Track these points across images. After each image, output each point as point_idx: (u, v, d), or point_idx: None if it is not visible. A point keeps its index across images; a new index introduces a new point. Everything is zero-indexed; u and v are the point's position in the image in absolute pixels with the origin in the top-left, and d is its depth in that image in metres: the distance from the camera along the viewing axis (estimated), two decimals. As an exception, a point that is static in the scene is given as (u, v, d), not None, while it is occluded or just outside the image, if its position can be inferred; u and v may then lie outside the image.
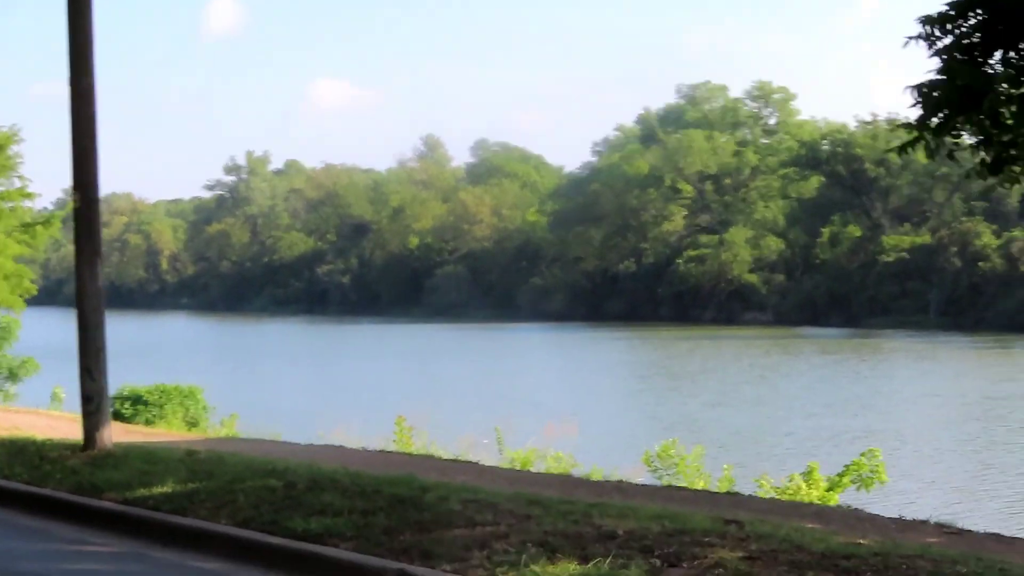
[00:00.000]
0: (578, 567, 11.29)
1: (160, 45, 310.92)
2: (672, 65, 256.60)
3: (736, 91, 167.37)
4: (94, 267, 19.31)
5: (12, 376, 57.81)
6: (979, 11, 17.45)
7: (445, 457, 24.75)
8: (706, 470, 30.12)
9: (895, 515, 19.13)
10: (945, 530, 16.16)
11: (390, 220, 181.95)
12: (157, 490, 15.60)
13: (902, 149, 18.73)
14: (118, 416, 36.55)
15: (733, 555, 11.62)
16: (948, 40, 17.62)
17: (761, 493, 27.14)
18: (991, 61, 17.39)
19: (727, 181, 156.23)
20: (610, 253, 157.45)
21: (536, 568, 11.35)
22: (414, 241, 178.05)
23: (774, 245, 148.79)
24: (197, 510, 14.60)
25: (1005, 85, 16.73)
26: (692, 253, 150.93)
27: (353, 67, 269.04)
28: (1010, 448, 54.10)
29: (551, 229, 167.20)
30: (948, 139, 17.87)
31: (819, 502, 26.18)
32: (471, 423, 39.71)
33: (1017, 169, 18.39)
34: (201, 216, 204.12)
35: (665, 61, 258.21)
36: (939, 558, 12.00)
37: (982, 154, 17.80)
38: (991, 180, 18.82)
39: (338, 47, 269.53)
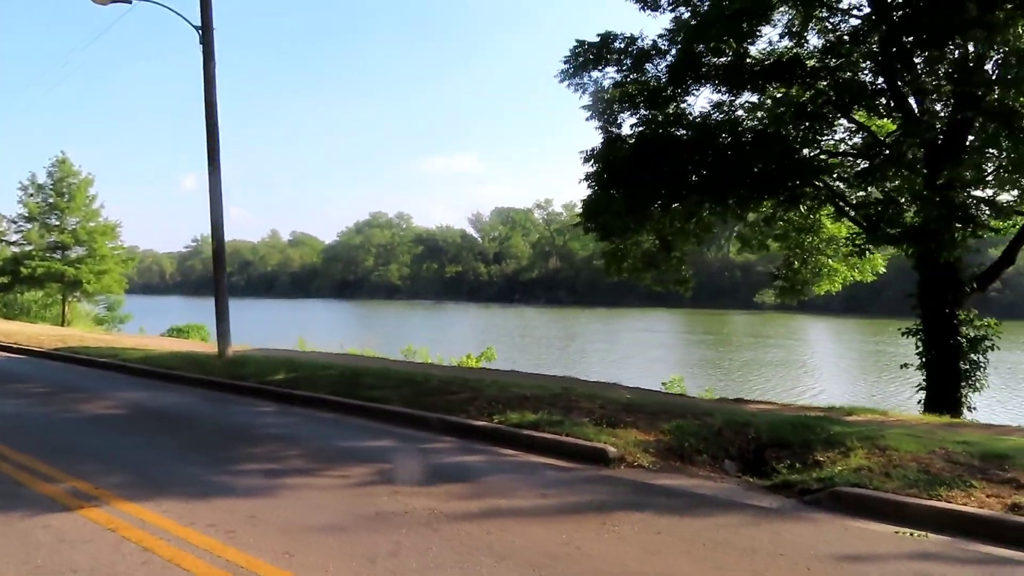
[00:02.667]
0: (527, 415, 8.50)
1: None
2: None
3: (391, 213, 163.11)
4: (223, 273, 15.13)
5: (121, 322, 51.86)
6: (605, 174, 15.51)
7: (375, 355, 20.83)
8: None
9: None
10: (626, 387, 13.86)
11: (260, 260, 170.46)
12: (277, 376, 11.85)
13: (579, 226, 17.02)
14: (168, 335, 31.36)
15: (592, 404, 9.03)
16: (593, 182, 15.70)
17: (455, 363, 24.49)
18: (612, 192, 15.50)
19: (388, 248, 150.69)
20: (345, 273, 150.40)
21: (513, 415, 8.53)
22: (271, 267, 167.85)
23: (407, 271, 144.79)
24: (303, 386, 11.04)
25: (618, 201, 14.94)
26: (377, 274, 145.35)
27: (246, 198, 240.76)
28: (530, 348, 51.70)
29: (323, 264, 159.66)
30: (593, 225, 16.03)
31: (476, 367, 23.77)
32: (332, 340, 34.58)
33: (619, 240, 16.66)
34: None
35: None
36: (646, 400, 9.73)
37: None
38: (605, 243, 17.02)
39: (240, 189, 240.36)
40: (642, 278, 19.11)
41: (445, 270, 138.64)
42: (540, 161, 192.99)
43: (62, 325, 43.11)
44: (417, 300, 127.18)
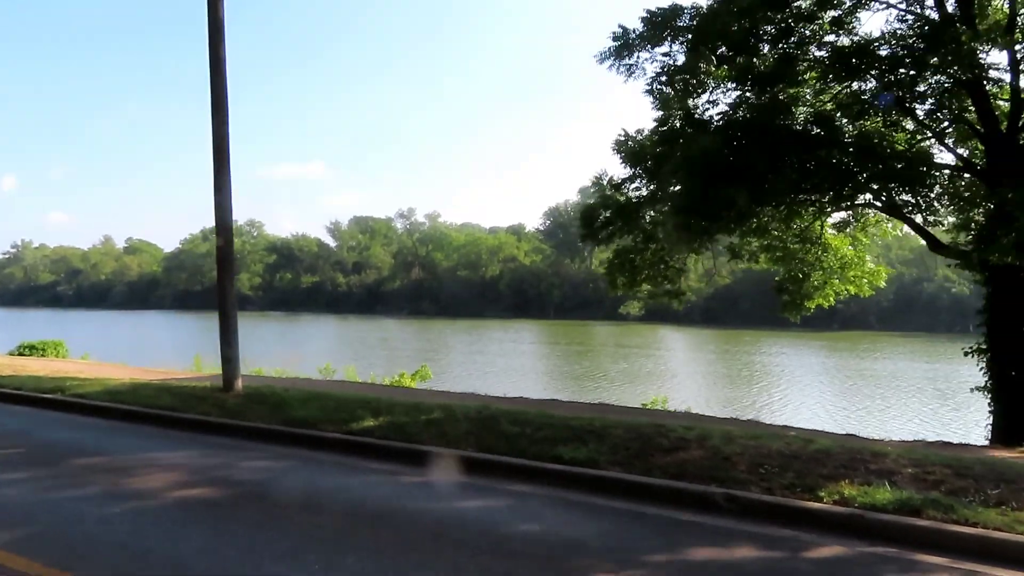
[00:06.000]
0: (880, 493, 5.97)
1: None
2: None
3: (241, 220, 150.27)
4: (230, 281, 11.34)
5: None
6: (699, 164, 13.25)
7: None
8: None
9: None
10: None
11: (91, 269, 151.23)
12: (365, 423, 8.43)
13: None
14: (21, 354, 24.85)
15: (886, 463, 6.62)
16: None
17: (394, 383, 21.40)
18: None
19: (238, 256, 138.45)
20: (189, 283, 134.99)
21: (848, 489, 5.92)
22: (105, 275, 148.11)
23: (259, 280, 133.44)
24: (430, 439, 7.73)
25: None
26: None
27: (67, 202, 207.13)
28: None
29: (164, 273, 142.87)
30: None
31: (410, 386, 21.17)
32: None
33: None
34: None
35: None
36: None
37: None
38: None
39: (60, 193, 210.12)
40: (643, 290, 17.41)
41: (301, 280, 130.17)
42: (394, 170, 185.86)
43: None
44: (270, 311, 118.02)
